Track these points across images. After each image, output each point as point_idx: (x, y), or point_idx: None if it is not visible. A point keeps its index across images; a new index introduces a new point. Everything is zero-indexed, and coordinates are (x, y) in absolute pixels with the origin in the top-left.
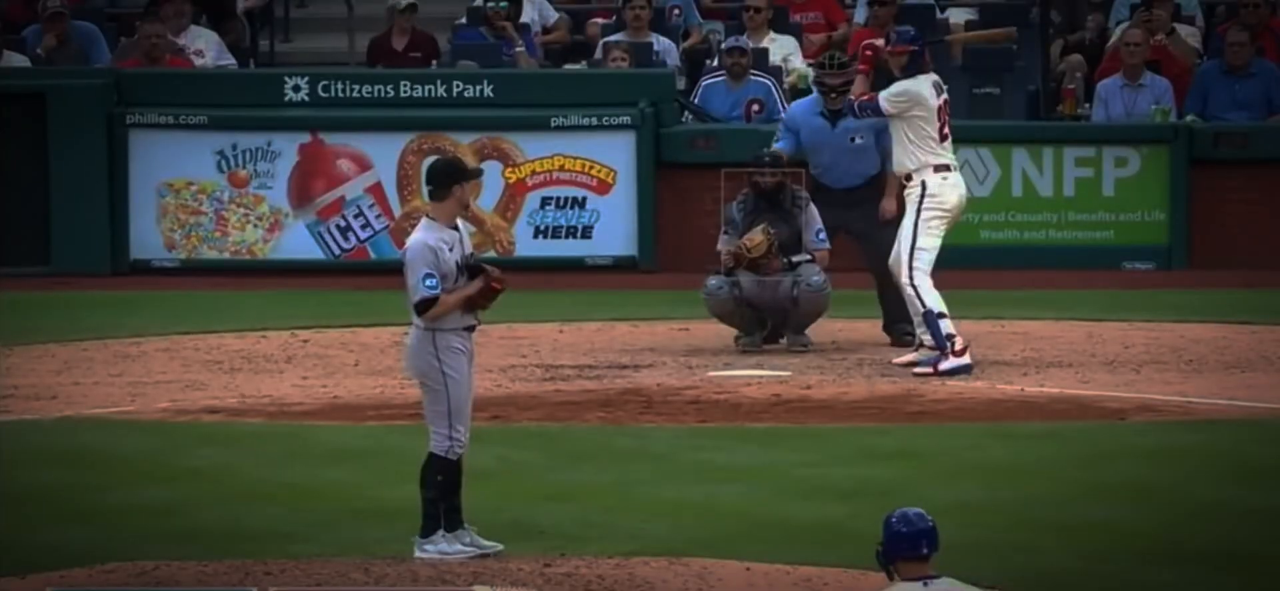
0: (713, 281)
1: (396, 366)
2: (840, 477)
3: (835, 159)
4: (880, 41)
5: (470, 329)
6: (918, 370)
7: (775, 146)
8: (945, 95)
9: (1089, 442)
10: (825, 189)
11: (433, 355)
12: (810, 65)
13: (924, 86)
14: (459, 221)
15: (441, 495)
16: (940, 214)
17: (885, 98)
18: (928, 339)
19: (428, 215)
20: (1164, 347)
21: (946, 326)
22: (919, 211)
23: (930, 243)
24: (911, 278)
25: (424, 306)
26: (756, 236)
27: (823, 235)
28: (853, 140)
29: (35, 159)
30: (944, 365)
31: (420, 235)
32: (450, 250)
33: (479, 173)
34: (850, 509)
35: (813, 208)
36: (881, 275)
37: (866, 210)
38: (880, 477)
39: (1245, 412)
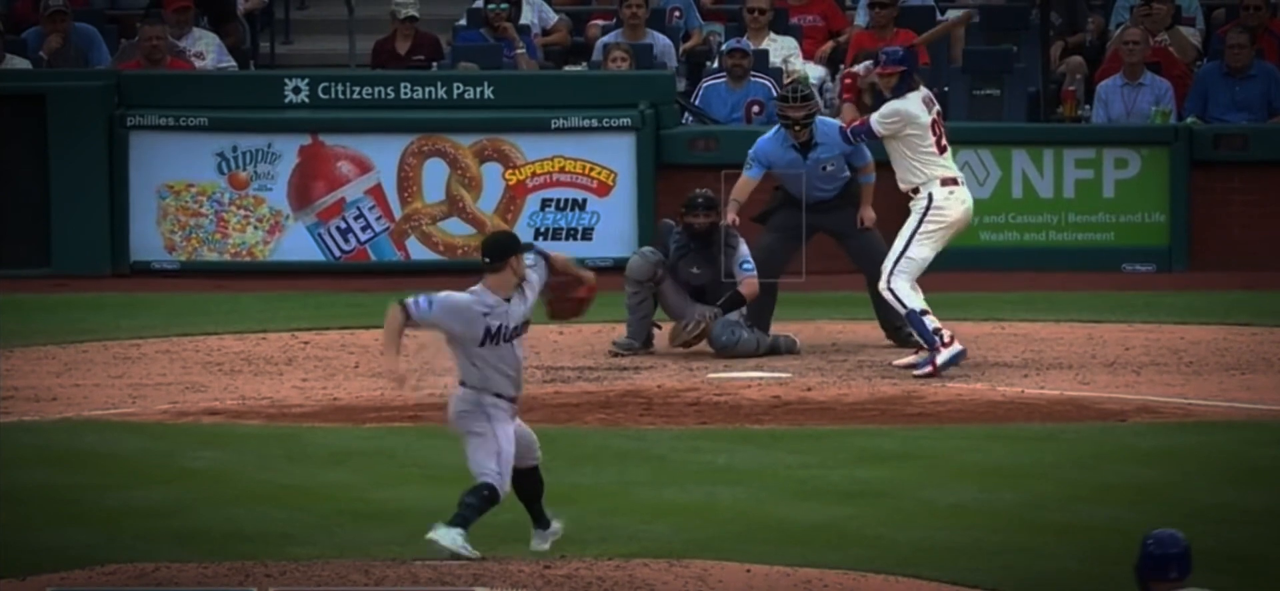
0: (649, 250)
1: None
2: (840, 479)
3: (810, 184)
4: (860, 68)
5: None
6: (918, 373)
7: (746, 174)
8: (938, 109)
9: (1089, 444)
10: (796, 200)
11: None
12: (773, 99)
13: (914, 105)
14: (514, 295)
15: (480, 511)
16: (941, 227)
17: (876, 121)
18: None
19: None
20: (1164, 349)
21: (931, 322)
22: (920, 222)
23: (921, 254)
24: (890, 282)
25: (398, 306)
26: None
27: (749, 265)
28: (825, 168)
29: (36, 160)
30: (940, 359)
31: (468, 293)
32: (486, 315)
33: (530, 247)
34: (851, 510)
35: (742, 245)
36: (870, 275)
37: (842, 213)
38: (880, 479)
39: (1245, 414)
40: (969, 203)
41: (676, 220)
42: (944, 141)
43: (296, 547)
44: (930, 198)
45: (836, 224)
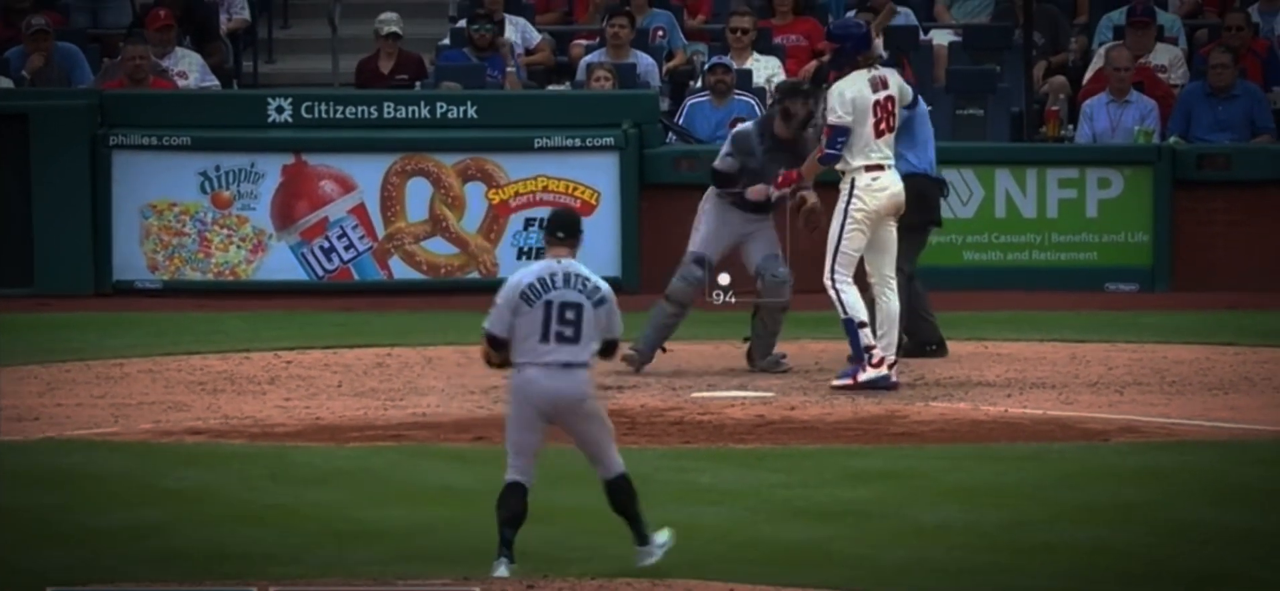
0: (690, 272)
1: (379, 387)
2: (824, 499)
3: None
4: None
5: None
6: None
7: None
8: (888, 91)
9: (1072, 464)
10: None
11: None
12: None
13: (861, 85)
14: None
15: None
16: (865, 213)
17: (836, 111)
18: (887, 343)
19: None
20: (1147, 369)
21: (866, 337)
22: (846, 212)
23: (853, 245)
24: (832, 279)
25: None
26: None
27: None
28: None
29: (18, 180)
30: (863, 376)
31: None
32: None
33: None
34: (834, 530)
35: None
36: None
37: None
38: (864, 499)
39: (1228, 434)
40: (893, 188)
41: (776, 101)
42: (883, 126)
43: (279, 567)
44: (852, 184)
45: None
